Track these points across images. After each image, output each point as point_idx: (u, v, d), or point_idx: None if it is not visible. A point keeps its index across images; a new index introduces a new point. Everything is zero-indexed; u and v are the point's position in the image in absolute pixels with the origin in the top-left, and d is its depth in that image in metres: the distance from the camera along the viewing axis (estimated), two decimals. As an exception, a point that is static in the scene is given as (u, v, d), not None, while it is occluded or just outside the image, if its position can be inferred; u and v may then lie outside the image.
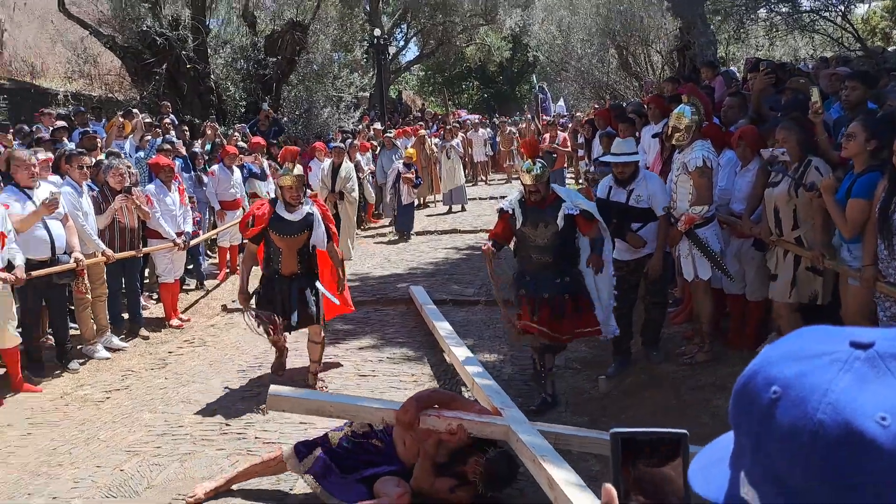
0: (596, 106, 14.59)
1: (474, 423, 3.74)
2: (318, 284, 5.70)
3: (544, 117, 18.77)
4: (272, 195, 8.52)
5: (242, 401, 5.44)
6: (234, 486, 4.03)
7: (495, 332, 6.95)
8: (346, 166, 10.92)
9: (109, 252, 6.84)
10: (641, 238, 5.52)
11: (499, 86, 37.74)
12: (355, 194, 11.04)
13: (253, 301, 5.62)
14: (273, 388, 4.24)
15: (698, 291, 5.62)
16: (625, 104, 10.98)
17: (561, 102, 23.92)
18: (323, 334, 5.79)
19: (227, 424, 4.97)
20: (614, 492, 0.82)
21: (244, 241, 6.26)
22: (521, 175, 5.14)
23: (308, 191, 6.23)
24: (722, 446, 0.78)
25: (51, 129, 9.51)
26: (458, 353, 5.39)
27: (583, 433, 4.04)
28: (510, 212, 5.18)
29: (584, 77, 17.59)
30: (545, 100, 23.33)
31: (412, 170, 12.62)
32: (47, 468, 4.48)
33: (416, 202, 14.67)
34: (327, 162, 11.06)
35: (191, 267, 9.28)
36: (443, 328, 6.19)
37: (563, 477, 3.12)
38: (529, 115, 21.11)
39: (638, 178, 5.56)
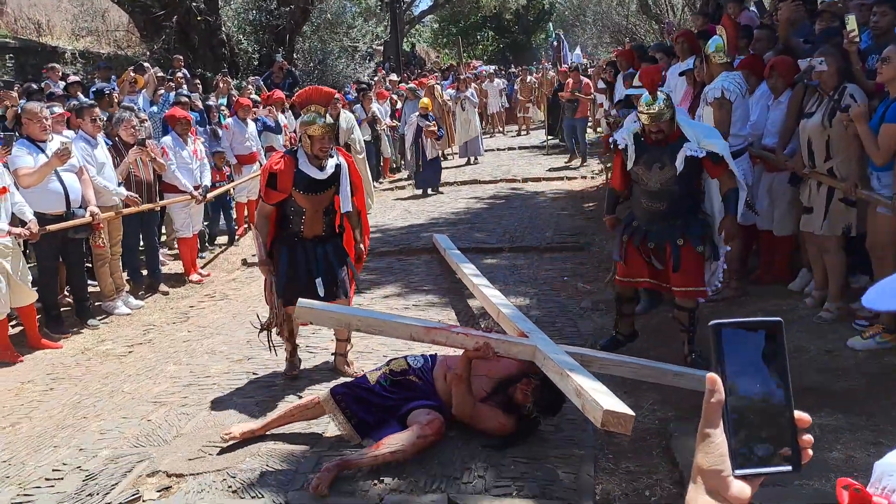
0: (617, 49, 14.15)
1: (501, 341, 3.84)
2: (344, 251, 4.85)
3: (563, 65, 18.29)
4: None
5: (267, 350, 5.34)
6: (269, 432, 3.95)
7: (520, 278, 6.81)
8: (346, 116, 10.14)
9: (134, 196, 6.72)
10: None
11: (514, 35, 36.98)
12: (361, 145, 10.41)
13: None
14: (302, 300, 4.11)
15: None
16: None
17: (578, 51, 23.35)
18: None
19: (254, 374, 4.88)
20: (718, 380, 0.84)
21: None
22: (639, 113, 4.39)
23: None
24: None
25: (63, 84, 9.34)
26: (484, 289, 5.29)
27: (603, 355, 4.12)
28: (623, 146, 4.55)
29: (602, 21, 17.08)
30: (562, 48, 22.78)
31: (432, 121, 12.03)
32: (72, 420, 4.42)
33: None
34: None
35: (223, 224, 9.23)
36: (467, 268, 6.07)
37: (589, 385, 3.25)
38: (547, 64, 20.64)
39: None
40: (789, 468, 0.83)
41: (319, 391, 4.19)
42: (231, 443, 3.80)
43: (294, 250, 4.64)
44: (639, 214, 4.60)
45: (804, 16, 6.45)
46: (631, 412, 3.05)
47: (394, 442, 3.56)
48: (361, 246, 4.91)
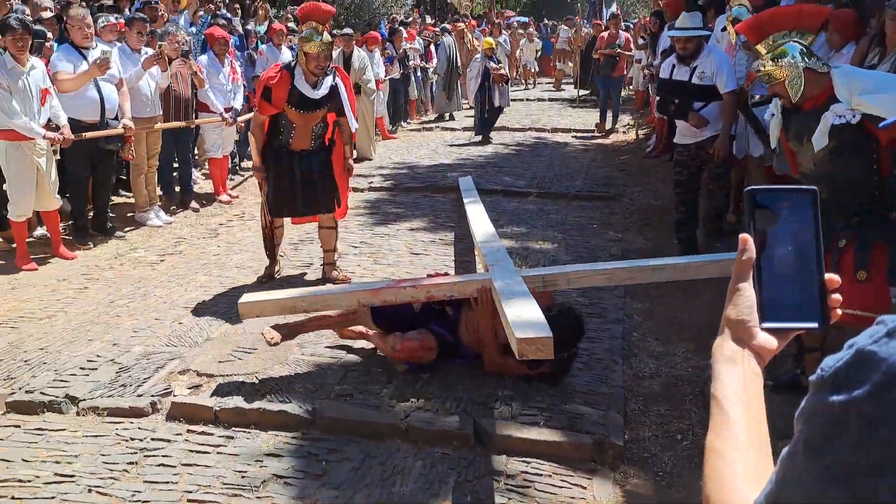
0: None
1: (454, 283, 3.73)
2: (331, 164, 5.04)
3: (598, 19, 17.88)
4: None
5: (294, 269, 5.42)
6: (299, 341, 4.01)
7: (548, 222, 6.79)
8: (359, 55, 9.73)
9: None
10: (704, 118, 5.33)
11: (552, -13, 36.14)
12: (372, 85, 9.92)
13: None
14: (244, 296, 3.87)
15: (750, 169, 5.47)
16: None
17: (613, 7, 22.81)
18: (335, 220, 5.18)
19: (278, 286, 4.93)
20: (750, 239, 0.88)
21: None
22: (761, 69, 3.36)
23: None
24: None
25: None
26: (475, 224, 5.08)
27: (568, 269, 3.91)
28: (769, 115, 3.64)
29: (648, -25, 16.58)
30: (598, 2, 22.24)
31: (499, 64, 11.22)
32: (106, 318, 4.52)
33: (457, 107, 14.06)
34: (336, 51, 9.54)
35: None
36: (474, 207, 5.74)
37: (516, 314, 3.07)
38: (582, 20, 20.09)
39: (702, 53, 5.35)
40: (815, 325, 0.87)
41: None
42: (275, 343, 3.79)
43: (280, 162, 4.83)
44: None
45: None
46: (548, 334, 2.84)
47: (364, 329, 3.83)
48: (350, 161, 5.14)
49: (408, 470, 2.98)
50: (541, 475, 2.98)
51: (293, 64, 4.73)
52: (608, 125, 12.00)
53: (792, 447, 0.67)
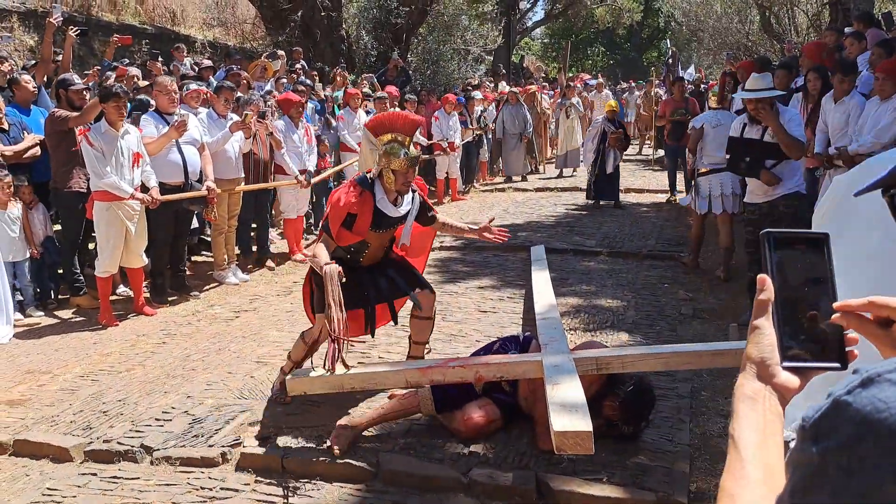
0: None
1: (504, 364, 3.51)
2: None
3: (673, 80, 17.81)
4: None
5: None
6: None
7: (618, 281, 6.71)
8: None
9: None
10: (777, 175, 5.30)
11: (626, 52, 36.52)
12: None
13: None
14: (292, 373, 3.83)
15: None
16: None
17: (691, 69, 22.79)
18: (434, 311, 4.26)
19: (351, 346, 5.00)
20: (768, 279, 0.91)
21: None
22: None
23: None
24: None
25: (198, 68, 9.92)
26: (538, 296, 4.98)
27: (624, 352, 3.66)
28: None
29: (721, 37, 16.60)
30: (675, 64, 22.22)
31: (618, 128, 10.38)
32: (182, 371, 4.68)
33: (529, 169, 14.13)
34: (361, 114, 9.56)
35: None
36: (540, 276, 5.71)
37: (560, 399, 2.99)
38: (657, 80, 20.04)
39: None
40: (837, 364, 0.89)
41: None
42: (343, 452, 3.47)
43: (350, 272, 3.88)
44: None
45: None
46: (587, 428, 2.71)
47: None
48: (476, 227, 4.40)
49: (469, 526, 2.93)
50: (605, 534, 2.88)
51: (370, 180, 3.97)
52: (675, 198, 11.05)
53: (781, 495, 0.68)
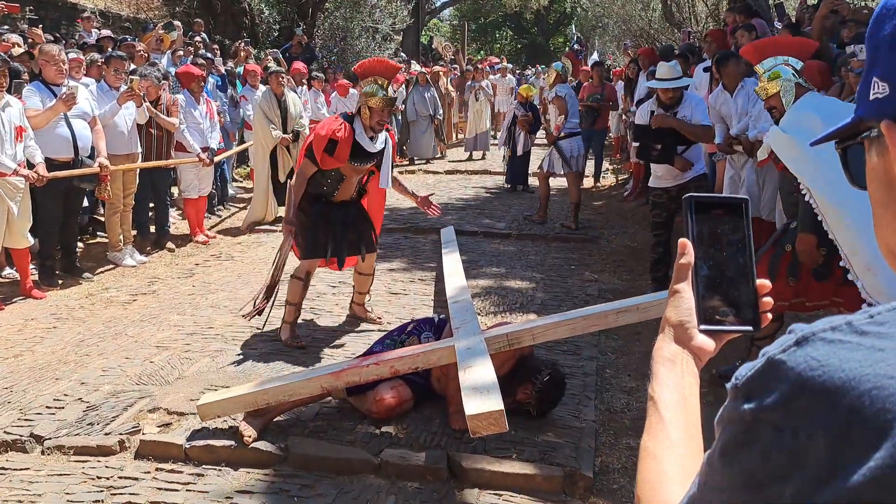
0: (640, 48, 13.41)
1: (419, 354, 3.50)
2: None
3: (582, 67, 18.16)
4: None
5: (271, 309, 5.34)
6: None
7: (527, 263, 6.82)
8: (292, 97, 8.53)
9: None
10: (689, 160, 5.50)
11: (533, 37, 37.02)
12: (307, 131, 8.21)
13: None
14: (203, 397, 3.58)
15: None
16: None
17: (595, 56, 23.34)
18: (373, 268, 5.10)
19: (258, 329, 4.87)
20: (689, 244, 0.92)
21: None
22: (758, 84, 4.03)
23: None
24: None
25: (96, 37, 9.36)
26: (449, 278, 4.99)
27: (532, 324, 3.65)
28: None
29: (625, 24, 17.05)
30: (582, 51, 22.68)
31: (528, 112, 10.04)
32: (75, 357, 4.43)
33: (438, 152, 13.89)
34: (262, 91, 8.60)
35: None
36: (450, 259, 5.69)
37: (472, 383, 2.96)
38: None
39: (684, 101, 5.57)
40: (750, 328, 0.91)
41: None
42: (254, 440, 3.35)
43: (321, 212, 4.67)
44: None
45: (836, 25, 6.48)
46: (498, 407, 2.73)
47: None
48: (420, 194, 5.17)
49: (381, 506, 2.91)
50: (514, 509, 2.92)
51: (353, 116, 4.62)
52: (589, 181, 11.22)
53: (710, 453, 0.68)
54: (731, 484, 0.64)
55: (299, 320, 4.84)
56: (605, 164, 12.95)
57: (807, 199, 3.54)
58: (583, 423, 3.65)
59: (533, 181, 11.51)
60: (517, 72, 24.34)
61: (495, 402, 2.77)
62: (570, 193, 8.27)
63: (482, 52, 32.40)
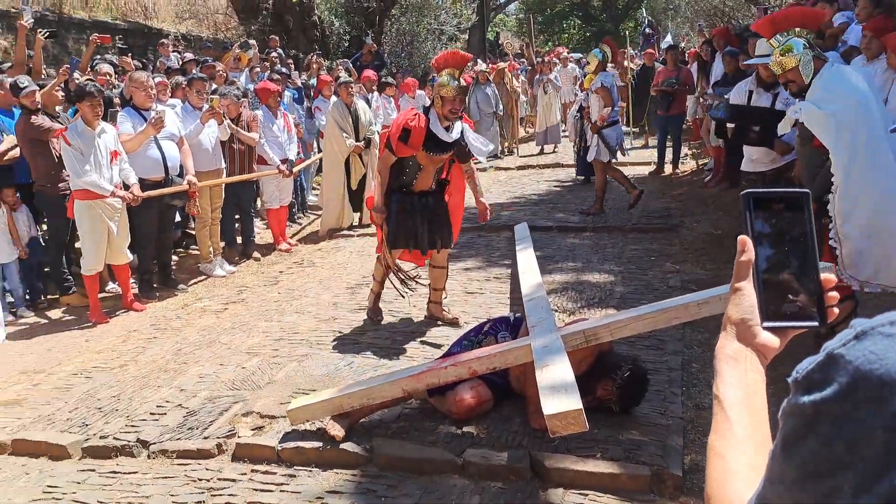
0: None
1: (496, 354, 3.51)
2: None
3: (657, 50, 17.68)
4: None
5: (352, 312, 5.52)
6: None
7: (604, 256, 6.76)
8: (362, 106, 8.70)
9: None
10: (790, 144, 5.12)
11: (601, 23, 36.35)
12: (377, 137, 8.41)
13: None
14: (293, 402, 3.73)
15: None
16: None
17: (668, 39, 22.74)
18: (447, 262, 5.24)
19: (340, 332, 5.05)
20: (749, 240, 0.91)
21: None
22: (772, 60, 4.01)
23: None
24: None
25: (180, 61, 9.85)
26: (523, 276, 4.89)
27: (610, 320, 3.54)
28: None
29: (698, 4, 16.55)
30: (653, 35, 22.11)
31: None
32: (174, 365, 4.70)
33: (501, 149, 13.77)
34: (333, 102, 8.68)
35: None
36: (524, 257, 5.63)
37: (550, 382, 2.94)
38: (633, 51, 19.77)
39: None
40: (815, 323, 0.89)
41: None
42: (341, 438, 3.50)
43: (403, 201, 4.93)
44: None
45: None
46: (576, 406, 2.71)
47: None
48: (484, 200, 5.18)
49: (465, 505, 2.99)
50: (599, 507, 2.94)
51: (428, 108, 4.84)
52: (668, 168, 11.00)
53: (773, 447, 0.70)
54: (792, 476, 0.65)
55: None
56: (684, 150, 12.64)
57: (831, 169, 3.56)
58: (669, 421, 3.58)
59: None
60: (583, 61, 23.91)
61: (574, 402, 2.78)
62: (597, 181, 8.52)
63: (550, 44, 32.09)
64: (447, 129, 4.72)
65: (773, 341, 0.91)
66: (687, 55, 14.09)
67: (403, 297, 5.27)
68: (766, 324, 0.90)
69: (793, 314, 0.90)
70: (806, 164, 4.03)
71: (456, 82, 4.64)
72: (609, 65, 9.09)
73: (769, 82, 5.25)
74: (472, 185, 5.15)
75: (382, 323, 5.14)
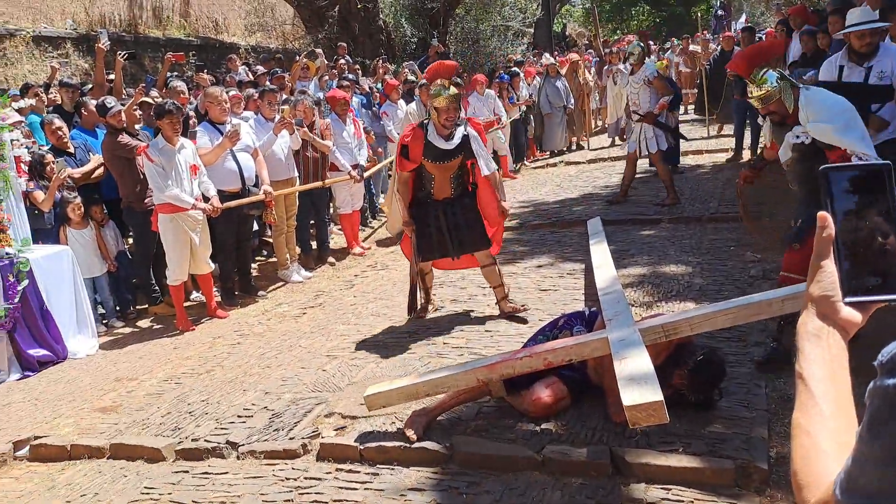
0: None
1: (571, 346, 3.51)
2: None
3: (726, 33, 17.16)
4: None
5: (426, 313, 5.58)
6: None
7: (681, 248, 6.61)
8: (411, 110, 9.37)
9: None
10: (886, 120, 4.94)
11: (672, 8, 35.48)
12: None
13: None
14: (370, 388, 3.80)
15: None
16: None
17: (742, 18, 21.97)
18: (493, 256, 5.26)
19: (415, 333, 5.11)
20: (829, 216, 0.90)
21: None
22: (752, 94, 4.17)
23: (462, 113, 5.37)
24: None
25: (243, 71, 10.16)
26: (598, 271, 4.95)
27: (690, 314, 3.49)
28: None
29: (771, -17, 15.94)
30: (725, 16, 21.44)
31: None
32: (258, 369, 4.87)
33: (569, 144, 13.67)
34: (414, 103, 9.41)
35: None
36: (598, 252, 5.64)
37: (629, 373, 2.98)
38: (708, 34, 19.19)
39: (879, 52, 5.00)
40: None
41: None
42: (417, 439, 3.53)
43: (426, 212, 5.10)
44: None
45: None
46: (657, 397, 2.68)
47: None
48: (504, 203, 5.18)
49: (546, 501, 2.99)
50: (682, 502, 2.89)
51: (426, 121, 5.01)
52: (747, 154, 10.53)
53: (860, 427, 0.70)
54: (879, 456, 0.65)
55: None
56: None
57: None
58: (753, 413, 3.50)
59: (684, 160, 11.07)
60: (655, 47, 23.39)
61: (654, 393, 2.75)
62: (659, 171, 8.46)
63: (618, 33, 31.56)
64: (447, 137, 4.88)
65: (855, 316, 0.90)
66: (766, 34, 13.60)
67: (411, 314, 5.38)
68: (847, 299, 0.89)
69: (875, 288, 0.88)
70: (805, 181, 4.15)
71: (447, 92, 4.79)
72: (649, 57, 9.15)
73: (862, 53, 4.97)
74: (492, 188, 5.17)
75: (447, 319, 5.30)
